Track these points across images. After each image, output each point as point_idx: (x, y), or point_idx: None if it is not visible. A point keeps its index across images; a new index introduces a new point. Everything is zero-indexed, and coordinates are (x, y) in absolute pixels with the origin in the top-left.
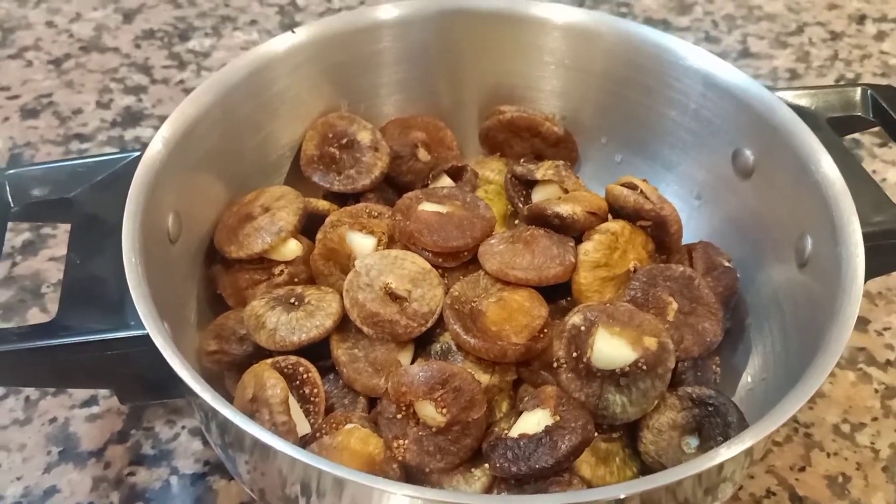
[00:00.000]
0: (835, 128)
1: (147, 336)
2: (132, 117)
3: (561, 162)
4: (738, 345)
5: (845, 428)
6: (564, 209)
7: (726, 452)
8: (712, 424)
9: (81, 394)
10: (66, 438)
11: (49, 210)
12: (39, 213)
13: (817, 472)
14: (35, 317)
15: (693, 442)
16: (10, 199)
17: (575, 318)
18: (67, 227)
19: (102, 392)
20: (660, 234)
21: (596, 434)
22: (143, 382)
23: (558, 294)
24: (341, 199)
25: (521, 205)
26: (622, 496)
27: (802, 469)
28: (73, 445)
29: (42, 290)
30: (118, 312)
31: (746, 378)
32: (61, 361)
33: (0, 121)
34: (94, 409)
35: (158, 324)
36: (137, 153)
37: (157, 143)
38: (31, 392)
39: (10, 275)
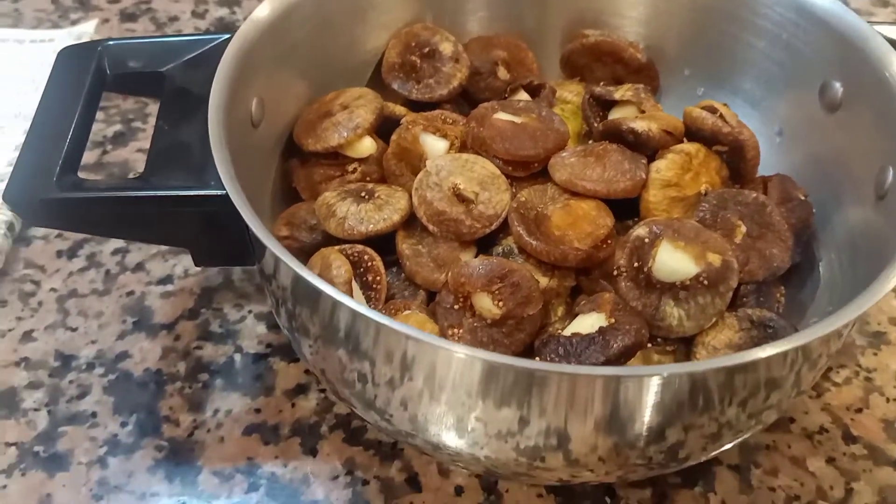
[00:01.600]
0: None
1: (226, 196)
2: (225, 28)
3: (641, 85)
4: (807, 281)
5: None
6: (640, 125)
7: (774, 347)
8: None
9: (158, 271)
10: (141, 310)
11: (142, 83)
12: (133, 84)
13: (874, 414)
14: None
15: None
16: (108, 68)
17: (640, 230)
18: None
19: (178, 272)
20: (736, 160)
21: (650, 345)
22: (218, 245)
23: (626, 213)
24: (418, 108)
25: (596, 124)
26: (665, 374)
27: (859, 410)
28: (147, 317)
29: (130, 177)
30: (200, 174)
31: (812, 312)
32: (145, 213)
33: (99, 22)
34: (169, 287)
35: (237, 186)
36: (228, 35)
37: (250, 24)
38: (112, 266)
39: (101, 161)
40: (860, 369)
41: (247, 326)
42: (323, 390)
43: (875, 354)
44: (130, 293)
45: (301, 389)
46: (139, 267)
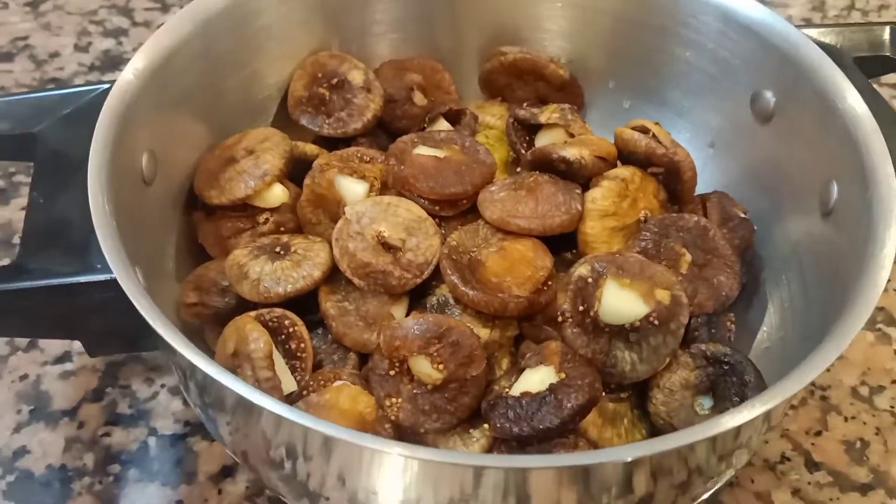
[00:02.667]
0: (861, 69)
1: (115, 281)
2: (112, 61)
3: (567, 105)
4: (753, 301)
5: (863, 391)
6: (571, 153)
7: (746, 414)
8: (728, 384)
9: (54, 349)
10: (38, 396)
11: (11, 146)
12: (1, 149)
13: (834, 436)
14: None
15: (707, 402)
16: None
17: (582, 269)
18: None
19: (76, 347)
20: (672, 181)
21: (603, 393)
22: (112, 332)
23: (562, 246)
24: (331, 144)
25: (523, 151)
26: (629, 459)
27: (819, 433)
28: (45, 404)
29: (14, 240)
30: (83, 255)
31: (762, 336)
32: (23, 307)
33: None
34: (68, 366)
35: (128, 267)
36: (107, 86)
37: (129, 74)
38: (1, 347)
39: None
40: (815, 387)
41: (160, 403)
42: None
43: (828, 371)
44: (24, 377)
45: (227, 472)
46: (32, 345)
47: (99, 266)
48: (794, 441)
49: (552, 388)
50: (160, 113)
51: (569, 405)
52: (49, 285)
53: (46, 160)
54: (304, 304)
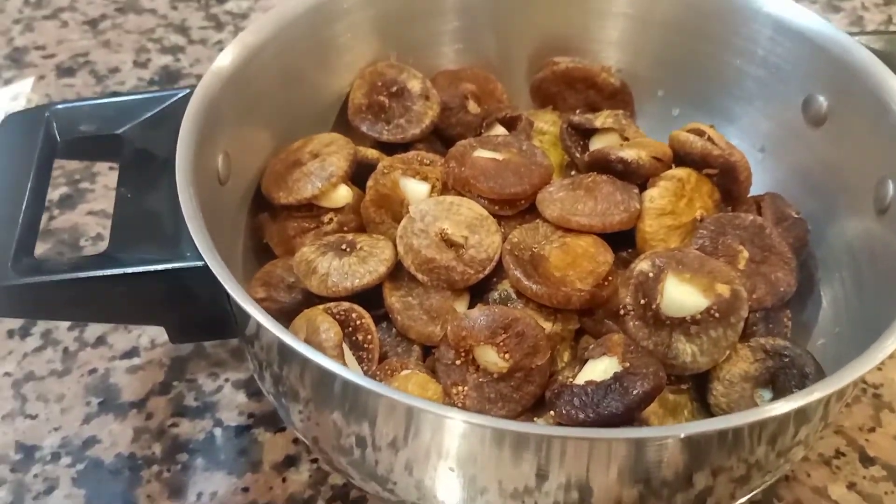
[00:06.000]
0: None
1: (204, 267)
2: (170, 76)
3: (620, 111)
4: (807, 301)
5: None
6: (629, 154)
7: (801, 399)
8: (788, 376)
9: (122, 344)
10: (107, 389)
11: (97, 147)
12: (87, 149)
13: (888, 432)
14: None
15: (766, 395)
16: (57, 134)
17: (643, 265)
18: (106, 181)
19: (143, 343)
20: (727, 182)
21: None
22: (196, 319)
23: (619, 245)
24: (390, 149)
25: (578, 154)
26: (682, 435)
27: (872, 430)
28: (114, 396)
29: (81, 243)
30: (173, 245)
31: (818, 334)
32: (114, 294)
33: (35, 79)
34: (136, 361)
35: (216, 256)
36: (188, 90)
37: (213, 77)
38: (70, 342)
39: (48, 228)
40: (867, 386)
41: (225, 396)
42: (315, 460)
43: (879, 369)
44: (93, 371)
45: (291, 461)
46: (100, 341)
47: (189, 254)
48: (848, 437)
49: (617, 377)
50: (236, 116)
51: (634, 392)
52: (142, 272)
53: (131, 159)
54: (370, 299)
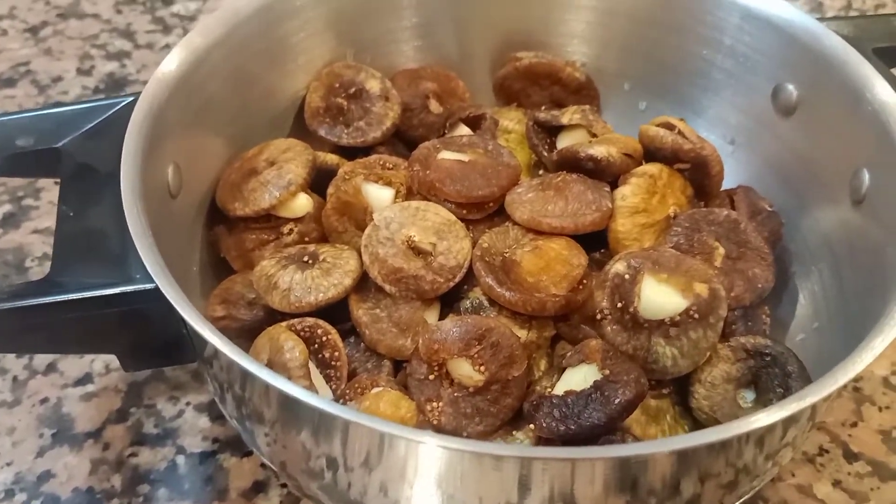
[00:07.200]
0: (881, 59)
1: (155, 290)
2: (116, 83)
3: (587, 106)
4: (783, 295)
5: (895, 380)
6: (599, 151)
7: (795, 405)
8: (770, 376)
9: (74, 371)
10: (60, 419)
11: (36, 162)
12: (25, 165)
13: (870, 427)
14: None
15: (749, 396)
16: None
17: (618, 267)
18: (51, 197)
19: (97, 368)
20: (699, 177)
21: None
22: (149, 345)
23: (591, 246)
24: (350, 154)
25: (545, 153)
26: (666, 451)
27: (854, 425)
28: (68, 427)
29: (26, 263)
30: (120, 266)
31: (796, 329)
32: (58, 322)
33: None
34: (90, 388)
35: (168, 276)
36: (131, 98)
37: (158, 83)
38: (19, 371)
39: None
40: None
41: (186, 421)
42: (285, 485)
43: None
44: (44, 400)
45: (259, 487)
46: (51, 368)
47: (137, 276)
48: (831, 433)
49: (597, 385)
50: (185, 124)
51: (616, 401)
52: (86, 297)
53: (72, 175)
54: (334, 314)
